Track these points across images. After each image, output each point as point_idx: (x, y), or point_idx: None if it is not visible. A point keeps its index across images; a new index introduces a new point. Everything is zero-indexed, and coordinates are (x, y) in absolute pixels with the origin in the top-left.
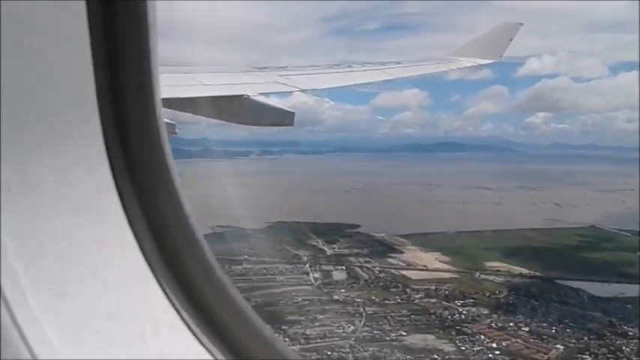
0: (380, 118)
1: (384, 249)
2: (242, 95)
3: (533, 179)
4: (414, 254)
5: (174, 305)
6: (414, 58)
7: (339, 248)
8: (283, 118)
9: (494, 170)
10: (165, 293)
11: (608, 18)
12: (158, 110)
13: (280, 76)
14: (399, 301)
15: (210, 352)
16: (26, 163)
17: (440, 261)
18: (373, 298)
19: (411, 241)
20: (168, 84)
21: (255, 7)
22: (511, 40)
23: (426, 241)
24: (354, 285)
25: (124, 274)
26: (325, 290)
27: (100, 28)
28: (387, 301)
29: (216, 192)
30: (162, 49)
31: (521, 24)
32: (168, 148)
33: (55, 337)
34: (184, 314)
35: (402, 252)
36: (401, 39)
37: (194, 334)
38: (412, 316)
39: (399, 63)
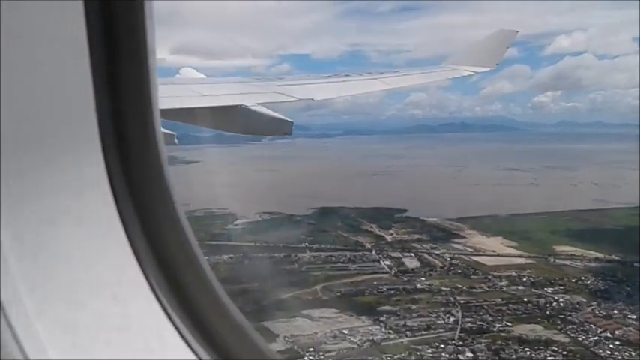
0: (390, 101)
1: (444, 234)
2: (240, 105)
3: (558, 159)
4: (477, 239)
5: (170, 318)
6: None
7: (397, 234)
8: (281, 127)
9: (513, 149)
10: (163, 307)
11: None
12: (157, 129)
13: (278, 86)
14: (486, 288)
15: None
16: (26, 177)
17: (507, 246)
18: (459, 286)
19: (467, 225)
20: (167, 95)
21: None
22: (507, 47)
23: (481, 224)
24: (431, 273)
25: (122, 288)
26: (405, 279)
27: (100, 46)
28: (474, 289)
29: (248, 178)
30: (174, 35)
31: (517, 32)
32: (166, 166)
33: (54, 350)
34: (183, 328)
35: (463, 237)
36: (414, 20)
37: (191, 348)
38: (509, 305)
39: (397, 71)
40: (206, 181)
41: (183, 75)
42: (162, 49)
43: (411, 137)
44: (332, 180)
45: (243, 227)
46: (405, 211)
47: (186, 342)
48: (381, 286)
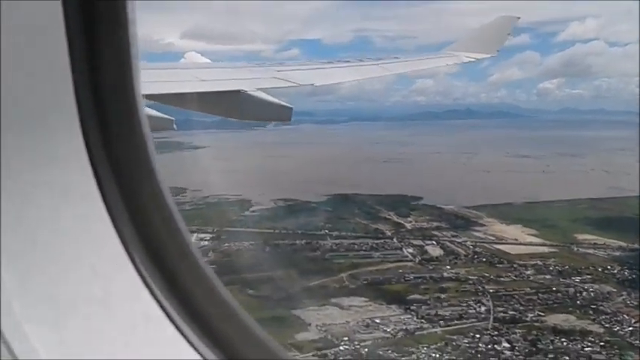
0: (397, 87)
1: (463, 222)
2: (239, 91)
3: (567, 146)
4: (497, 227)
5: (153, 293)
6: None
7: (416, 222)
8: (281, 113)
9: (520, 136)
10: (146, 283)
11: None
12: (139, 102)
13: (278, 71)
14: (514, 278)
15: (191, 343)
16: (6, 151)
17: (528, 234)
18: (486, 275)
19: (485, 213)
20: (166, 79)
21: None
22: (508, 34)
23: (499, 212)
24: (456, 261)
25: (104, 263)
26: (430, 267)
27: (78, 22)
28: (501, 278)
29: (258, 164)
30: (183, 21)
31: (518, 17)
32: (150, 141)
33: (30, 324)
34: (165, 304)
35: (483, 225)
36: (417, 6)
37: (174, 324)
38: (539, 295)
39: (397, 58)
40: (216, 166)
41: (187, 59)
42: (171, 34)
43: (416, 124)
44: (342, 166)
45: (259, 214)
46: (421, 198)
47: (168, 315)
48: (407, 275)
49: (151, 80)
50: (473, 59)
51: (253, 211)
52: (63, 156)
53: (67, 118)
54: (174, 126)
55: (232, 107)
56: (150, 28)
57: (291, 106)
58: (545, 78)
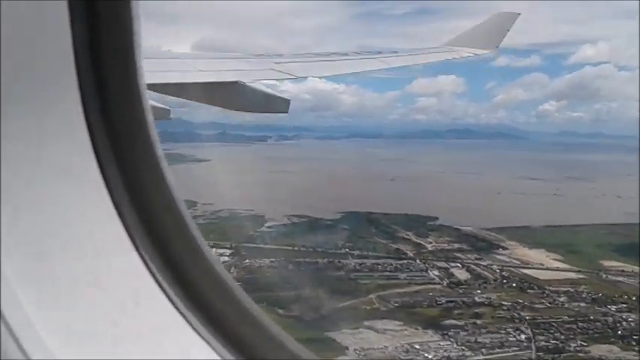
0: (398, 104)
1: (484, 245)
2: (237, 82)
3: (575, 169)
4: (520, 251)
5: (154, 276)
6: (411, 47)
7: (436, 243)
8: (278, 105)
9: (525, 158)
10: (146, 264)
11: None
12: (140, 76)
13: (276, 63)
14: (548, 304)
15: (190, 323)
16: (6, 132)
17: (552, 259)
18: (520, 300)
19: (505, 236)
20: (163, 69)
21: None
22: (508, 30)
23: (518, 235)
24: (485, 285)
25: (103, 243)
26: (460, 291)
27: (83, 28)
28: (535, 305)
29: (265, 178)
30: (195, 33)
31: (519, 14)
32: (151, 119)
33: (30, 304)
34: (164, 285)
35: (505, 248)
36: (427, 24)
37: (175, 306)
38: (578, 323)
39: (396, 52)
40: (223, 180)
41: None
42: (181, 46)
43: (416, 142)
44: (350, 183)
45: (276, 230)
46: (436, 218)
47: (168, 297)
48: (438, 299)
49: (148, 70)
50: (472, 54)
51: (270, 227)
52: (66, 142)
53: (72, 106)
54: (171, 115)
55: (230, 98)
56: (158, 39)
57: (288, 98)
58: (552, 100)
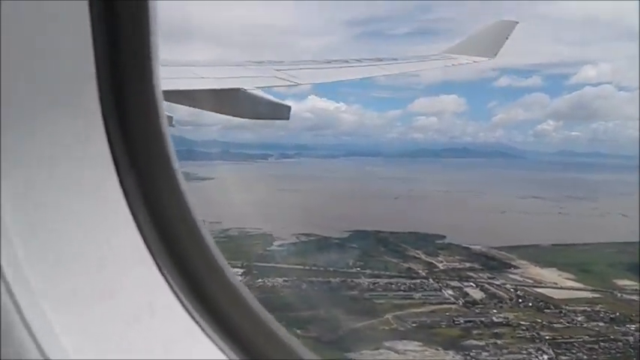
0: (397, 124)
1: (495, 264)
2: (239, 89)
3: (574, 188)
4: (533, 270)
5: (171, 286)
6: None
7: (446, 262)
8: (279, 111)
9: (523, 177)
10: (163, 274)
11: None
12: (157, 91)
13: (277, 70)
14: (566, 324)
15: (206, 333)
16: (22, 137)
17: (565, 278)
18: (538, 320)
19: (515, 255)
20: (165, 76)
21: (283, 11)
22: (507, 38)
23: (527, 254)
24: (501, 305)
25: (120, 254)
26: (476, 311)
27: (102, 20)
28: (554, 325)
29: (270, 197)
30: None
31: (517, 22)
32: (168, 133)
33: (49, 315)
34: (181, 295)
35: (517, 267)
36: (429, 44)
37: (191, 316)
38: (600, 344)
39: (395, 59)
40: (229, 199)
41: None
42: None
43: (416, 161)
44: (354, 202)
45: (286, 249)
46: (444, 237)
47: (184, 306)
48: (455, 318)
49: None
50: (471, 62)
51: (280, 246)
52: (83, 145)
53: (89, 109)
54: (174, 122)
55: (232, 105)
56: (169, 55)
57: (289, 104)
58: (551, 119)
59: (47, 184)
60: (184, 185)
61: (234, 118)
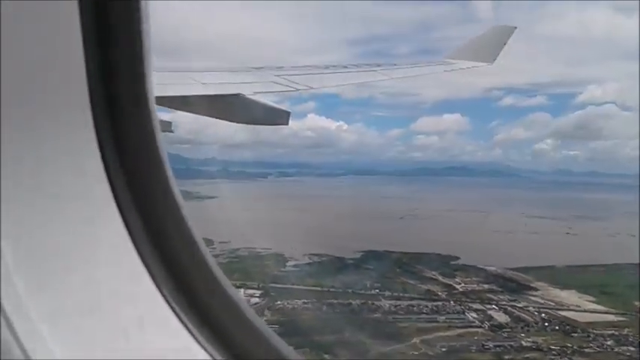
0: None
1: (514, 285)
2: (238, 94)
3: (581, 208)
4: (553, 292)
5: (167, 299)
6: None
7: (464, 283)
8: (278, 117)
9: (525, 196)
10: (158, 287)
11: None
12: (151, 105)
13: (277, 75)
14: (597, 349)
15: (203, 346)
16: (14, 154)
17: (586, 300)
18: (569, 345)
19: (531, 276)
20: (164, 82)
21: (283, 29)
22: (505, 43)
23: (544, 276)
24: (528, 329)
25: (115, 269)
26: (504, 335)
27: (93, 28)
28: (585, 349)
29: (275, 216)
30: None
31: (515, 27)
32: (161, 142)
33: (37, 325)
34: (177, 308)
35: (536, 289)
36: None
37: (188, 329)
38: None
39: (395, 65)
40: (234, 218)
41: None
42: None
43: (416, 180)
44: (359, 221)
45: (300, 269)
46: (458, 258)
47: (181, 320)
48: (485, 343)
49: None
50: (470, 67)
51: (295, 266)
52: (76, 160)
53: (82, 127)
54: (172, 128)
55: (231, 110)
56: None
57: (288, 110)
58: (550, 138)
59: (38, 196)
60: (179, 196)
61: (233, 137)
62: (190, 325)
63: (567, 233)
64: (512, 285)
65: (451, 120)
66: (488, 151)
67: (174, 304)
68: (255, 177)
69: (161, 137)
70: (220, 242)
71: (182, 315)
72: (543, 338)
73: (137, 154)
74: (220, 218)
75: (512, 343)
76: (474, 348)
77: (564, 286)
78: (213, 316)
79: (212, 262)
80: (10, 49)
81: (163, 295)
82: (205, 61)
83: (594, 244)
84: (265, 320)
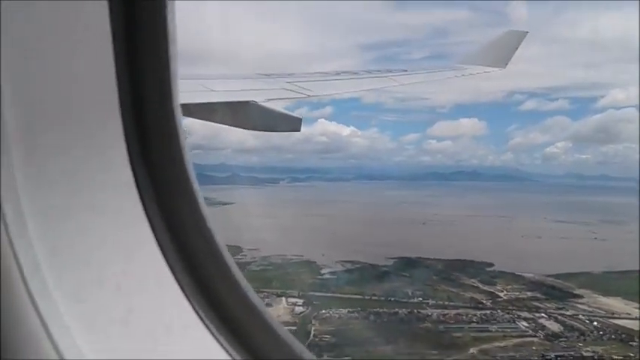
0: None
1: (558, 293)
2: (250, 101)
3: (605, 212)
4: (598, 300)
5: (192, 305)
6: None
7: (506, 291)
8: (291, 123)
9: (547, 200)
10: (184, 292)
11: None
12: (177, 114)
13: (288, 82)
14: None
15: (227, 351)
16: (43, 160)
17: (634, 307)
18: (631, 354)
19: (571, 283)
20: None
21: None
22: (517, 48)
23: (582, 282)
24: (584, 338)
25: (141, 275)
26: (562, 344)
27: (122, 35)
28: None
29: (298, 222)
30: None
31: (527, 32)
32: (187, 151)
33: (75, 338)
34: (202, 314)
35: (581, 296)
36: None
37: (212, 334)
38: None
39: (405, 71)
40: (256, 224)
41: None
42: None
43: (428, 184)
44: (383, 227)
45: (337, 277)
46: (492, 264)
47: (206, 325)
48: (545, 353)
49: None
50: (482, 72)
51: (333, 274)
52: (103, 167)
53: (111, 134)
54: (186, 135)
55: (243, 118)
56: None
57: (300, 117)
58: (572, 142)
59: (70, 208)
60: (205, 207)
61: (244, 141)
62: (213, 329)
63: (595, 238)
64: (555, 292)
65: (468, 124)
66: (499, 155)
67: (199, 310)
68: (266, 182)
69: (188, 148)
70: (250, 249)
71: (206, 320)
72: (603, 348)
73: (165, 169)
74: (243, 224)
75: (572, 353)
76: (536, 358)
77: (608, 293)
78: (233, 319)
79: (235, 268)
80: (45, 67)
81: (189, 302)
82: (213, 69)
83: (624, 249)
84: (315, 331)
